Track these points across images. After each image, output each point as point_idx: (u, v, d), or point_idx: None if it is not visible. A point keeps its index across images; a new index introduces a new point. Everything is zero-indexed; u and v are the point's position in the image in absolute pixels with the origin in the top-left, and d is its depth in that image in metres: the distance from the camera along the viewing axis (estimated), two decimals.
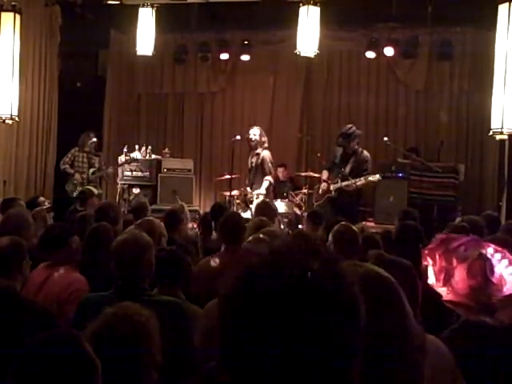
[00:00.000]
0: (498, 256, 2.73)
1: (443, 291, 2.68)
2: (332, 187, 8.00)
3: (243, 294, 0.95)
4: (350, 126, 8.31)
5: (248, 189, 8.44)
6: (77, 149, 9.14)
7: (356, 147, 8.12)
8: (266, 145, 8.51)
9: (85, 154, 9.13)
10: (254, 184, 8.44)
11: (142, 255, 2.98)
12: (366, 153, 8.25)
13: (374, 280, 1.35)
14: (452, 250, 2.74)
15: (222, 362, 0.98)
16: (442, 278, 2.65)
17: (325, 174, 8.25)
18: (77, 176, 8.96)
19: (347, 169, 8.03)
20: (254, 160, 8.45)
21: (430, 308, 2.35)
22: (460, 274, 2.62)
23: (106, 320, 2.07)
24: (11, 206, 5.48)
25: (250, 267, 0.98)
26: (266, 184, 8.33)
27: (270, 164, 8.43)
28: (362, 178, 7.90)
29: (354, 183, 7.89)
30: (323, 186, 8.10)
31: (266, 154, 8.41)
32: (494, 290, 2.59)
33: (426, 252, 2.76)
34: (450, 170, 9.08)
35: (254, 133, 8.43)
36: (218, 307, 1.01)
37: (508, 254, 2.74)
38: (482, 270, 2.61)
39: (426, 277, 3.01)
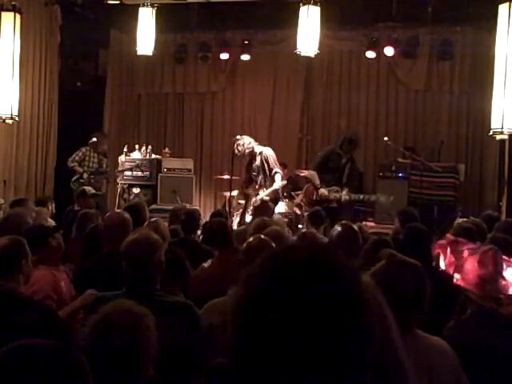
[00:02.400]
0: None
1: (455, 276, 2.69)
2: (332, 196, 7.63)
3: (273, 294, 0.93)
4: (353, 132, 8.17)
5: (260, 192, 7.96)
6: (87, 148, 9.07)
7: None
8: (254, 147, 8.01)
9: (96, 155, 9.08)
10: (265, 185, 8.00)
11: (153, 254, 3.00)
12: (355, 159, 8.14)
13: None
14: (461, 251, 2.76)
15: (236, 359, 0.96)
16: (451, 270, 2.66)
17: (316, 178, 7.82)
18: (85, 175, 8.92)
19: (344, 178, 7.78)
20: (255, 162, 7.97)
21: (440, 299, 2.36)
22: (470, 265, 2.63)
23: (104, 313, 2.10)
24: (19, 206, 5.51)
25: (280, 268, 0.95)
26: (279, 177, 7.93)
27: (273, 159, 8.00)
28: (374, 196, 7.88)
29: (364, 199, 7.78)
30: (322, 191, 7.70)
31: (267, 151, 8.02)
32: (503, 285, 2.60)
33: (438, 245, 2.77)
34: (450, 169, 9.09)
35: (239, 143, 7.91)
36: (241, 303, 0.97)
37: None
38: (494, 259, 2.61)
39: (438, 265, 3.02)
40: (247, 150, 7.97)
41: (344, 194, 7.63)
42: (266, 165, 7.97)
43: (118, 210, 4.59)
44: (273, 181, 7.94)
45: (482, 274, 2.59)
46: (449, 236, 2.86)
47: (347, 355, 0.91)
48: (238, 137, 8.05)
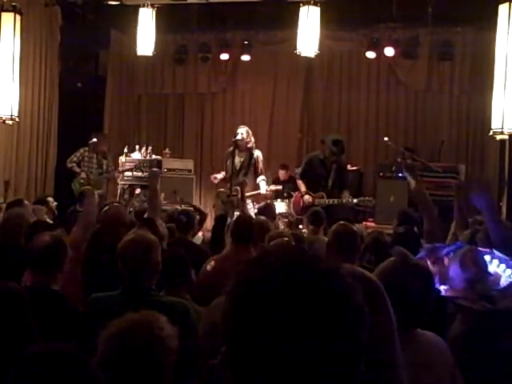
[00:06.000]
0: (487, 257, 2.73)
1: (441, 288, 2.68)
2: (317, 202, 7.56)
3: (254, 293, 0.95)
4: (338, 135, 8.07)
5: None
6: (86, 149, 9.05)
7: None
8: (253, 145, 8.20)
9: (95, 155, 9.06)
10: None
11: (148, 254, 2.99)
12: (344, 159, 8.11)
13: (358, 281, 1.34)
14: (441, 258, 2.75)
15: (226, 361, 0.96)
16: (436, 280, 2.65)
17: (302, 186, 7.84)
18: (83, 175, 8.91)
19: (329, 182, 7.74)
20: (242, 159, 8.11)
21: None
22: (454, 271, 2.62)
23: (126, 326, 1.99)
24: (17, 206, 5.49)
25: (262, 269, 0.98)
26: (264, 183, 8.14)
27: (262, 163, 8.27)
28: (356, 201, 7.73)
29: (346, 201, 7.65)
30: (307, 198, 7.70)
31: (259, 154, 8.20)
32: (491, 281, 2.58)
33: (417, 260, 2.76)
34: (450, 170, 9.08)
35: (242, 132, 8.05)
36: (229, 306, 0.98)
37: (496, 254, 2.75)
38: (474, 259, 2.61)
39: None
40: (249, 143, 8.05)
41: (326, 200, 7.58)
42: (254, 166, 8.06)
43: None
44: (256, 184, 8.08)
45: (467, 277, 2.58)
46: (425, 246, 2.85)
47: (333, 358, 0.91)
48: (242, 126, 8.23)
